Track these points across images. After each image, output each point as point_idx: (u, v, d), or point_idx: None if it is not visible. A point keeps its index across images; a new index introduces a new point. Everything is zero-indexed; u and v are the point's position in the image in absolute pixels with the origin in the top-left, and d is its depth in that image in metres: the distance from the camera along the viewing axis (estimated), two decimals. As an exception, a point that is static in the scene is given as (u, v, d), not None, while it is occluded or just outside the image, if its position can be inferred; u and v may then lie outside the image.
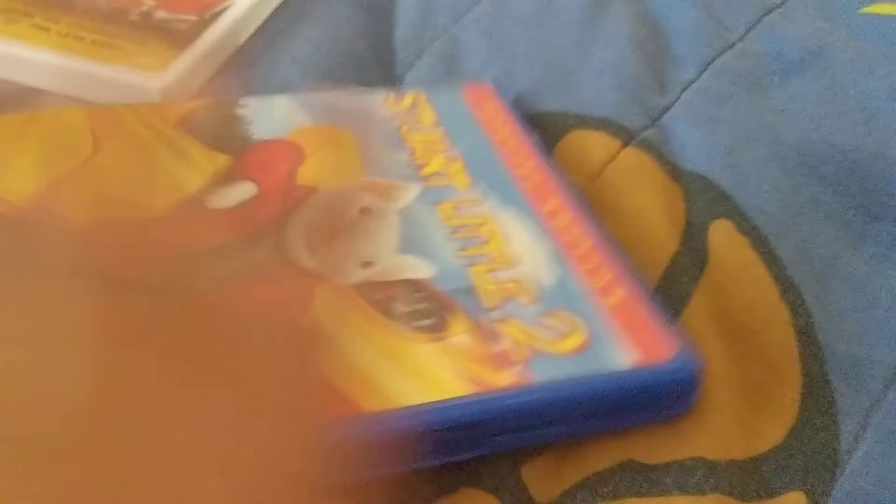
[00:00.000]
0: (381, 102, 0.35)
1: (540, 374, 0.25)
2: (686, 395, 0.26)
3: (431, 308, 0.26)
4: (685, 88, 0.36)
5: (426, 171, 0.32)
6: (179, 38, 0.41)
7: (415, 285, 0.27)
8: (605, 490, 0.25)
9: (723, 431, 0.26)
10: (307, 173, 0.31)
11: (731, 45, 0.37)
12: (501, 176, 0.32)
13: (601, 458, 0.26)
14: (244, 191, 0.30)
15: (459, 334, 0.26)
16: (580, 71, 0.38)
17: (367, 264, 0.28)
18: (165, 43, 0.40)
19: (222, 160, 0.31)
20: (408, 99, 0.36)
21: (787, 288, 0.30)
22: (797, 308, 0.29)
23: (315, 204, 0.30)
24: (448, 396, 0.24)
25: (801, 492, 0.25)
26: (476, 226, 0.30)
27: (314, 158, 0.32)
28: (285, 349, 0.21)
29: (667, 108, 0.36)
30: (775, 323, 0.29)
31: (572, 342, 0.26)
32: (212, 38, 0.41)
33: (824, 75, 0.35)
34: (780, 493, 0.25)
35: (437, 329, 0.26)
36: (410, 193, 0.31)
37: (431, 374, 0.24)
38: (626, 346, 0.26)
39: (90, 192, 0.29)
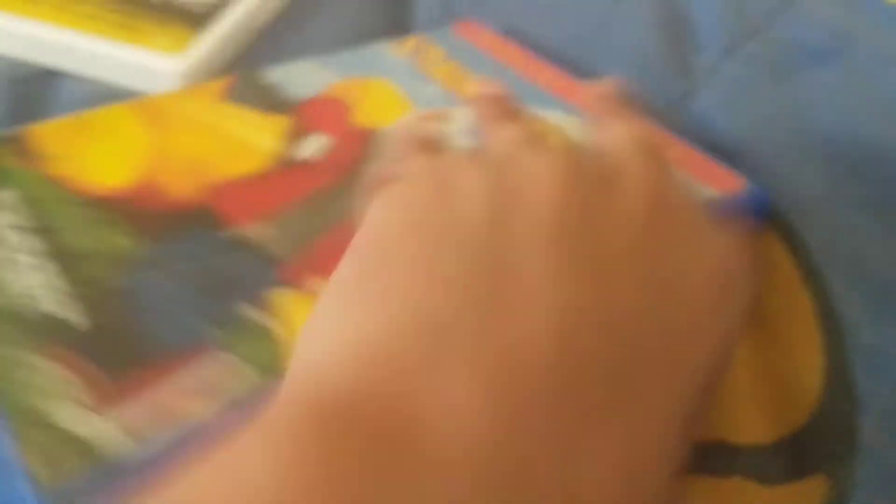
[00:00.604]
0: (388, 50, 0.37)
1: None
2: (762, 218, 0.30)
3: None
4: (708, 75, 0.36)
5: (463, 96, 0.34)
6: (198, 20, 0.40)
7: None
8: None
9: (745, 417, 0.26)
10: (362, 118, 0.32)
11: (755, 33, 0.36)
12: (529, 88, 0.34)
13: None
14: (320, 141, 0.31)
15: None
16: (600, 58, 0.38)
17: None
18: (185, 24, 0.40)
19: (283, 121, 0.32)
20: (410, 43, 0.37)
21: (810, 275, 0.29)
22: (820, 295, 0.29)
23: (386, 139, 0.31)
24: None
25: (823, 474, 0.25)
26: (531, 125, 0.32)
27: (361, 107, 0.33)
28: None
29: (689, 95, 0.35)
30: (797, 310, 0.29)
31: None
32: (231, 21, 0.41)
33: (849, 65, 0.34)
34: (801, 477, 0.25)
35: None
36: (462, 115, 0.32)
37: None
38: (705, 184, 0.29)
39: (181, 167, 0.30)
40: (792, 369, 0.27)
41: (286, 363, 0.23)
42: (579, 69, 0.38)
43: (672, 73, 0.36)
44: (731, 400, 0.26)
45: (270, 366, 0.23)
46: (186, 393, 0.22)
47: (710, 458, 0.25)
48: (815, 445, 0.26)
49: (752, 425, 0.26)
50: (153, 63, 0.39)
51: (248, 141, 0.31)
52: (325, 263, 0.26)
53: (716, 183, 0.29)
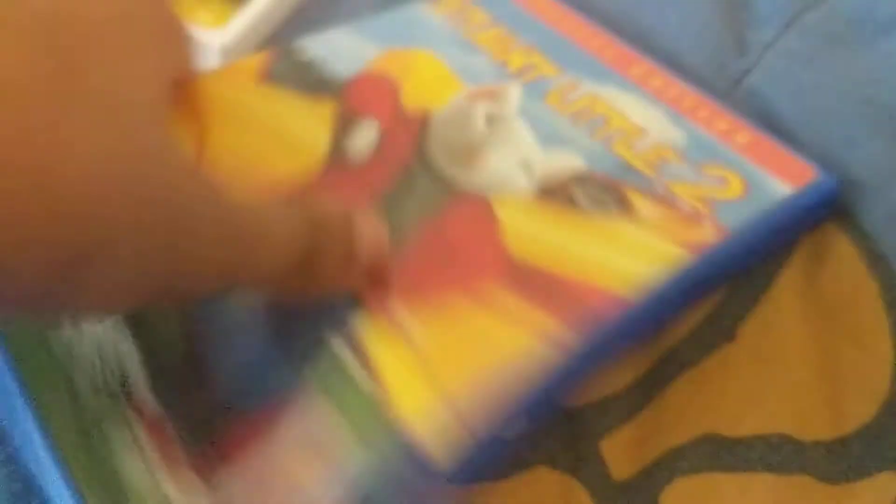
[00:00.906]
0: (428, 12, 0.34)
1: (731, 220, 0.26)
2: (833, 201, 0.29)
3: (607, 191, 0.27)
4: (766, 49, 0.34)
5: (512, 68, 0.32)
6: (239, -6, 0.40)
7: (580, 177, 0.28)
8: (685, 465, 0.24)
9: (809, 412, 0.25)
10: (410, 99, 0.30)
11: (817, 4, 0.35)
12: (580, 56, 0.32)
13: (682, 430, 0.25)
14: (370, 128, 0.29)
15: (645, 208, 0.27)
16: (657, 33, 0.36)
17: (526, 167, 0.28)
18: (225, -2, 0.40)
19: (329, 104, 0.30)
20: (452, 3, 0.35)
21: (876, 261, 0.28)
22: (887, 282, 0.28)
23: (439, 127, 0.29)
24: (673, 262, 0.25)
25: (894, 472, 0.24)
26: (590, 108, 0.30)
27: (408, 84, 0.31)
28: None
29: (747, 71, 0.34)
30: (864, 298, 0.28)
31: (736, 187, 0.27)
32: (271, -6, 0.40)
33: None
34: (870, 475, 0.24)
35: (624, 209, 0.26)
36: (515, 92, 0.31)
37: (649, 248, 0.25)
38: (777, 177, 0.28)
39: (230, 167, 0.27)
40: (859, 360, 0.26)
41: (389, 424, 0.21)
42: (631, 37, 0.36)
43: (730, 48, 0.35)
44: (795, 393, 0.26)
45: (367, 419, 0.21)
46: (292, 453, 0.21)
47: (772, 454, 0.24)
48: (885, 439, 0.25)
49: (817, 420, 0.25)
50: (195, 37, 0.38)
51: (297, 132, 0.29)
52: (399, 282, 0.24)
53: (787, 174, 0.28)
